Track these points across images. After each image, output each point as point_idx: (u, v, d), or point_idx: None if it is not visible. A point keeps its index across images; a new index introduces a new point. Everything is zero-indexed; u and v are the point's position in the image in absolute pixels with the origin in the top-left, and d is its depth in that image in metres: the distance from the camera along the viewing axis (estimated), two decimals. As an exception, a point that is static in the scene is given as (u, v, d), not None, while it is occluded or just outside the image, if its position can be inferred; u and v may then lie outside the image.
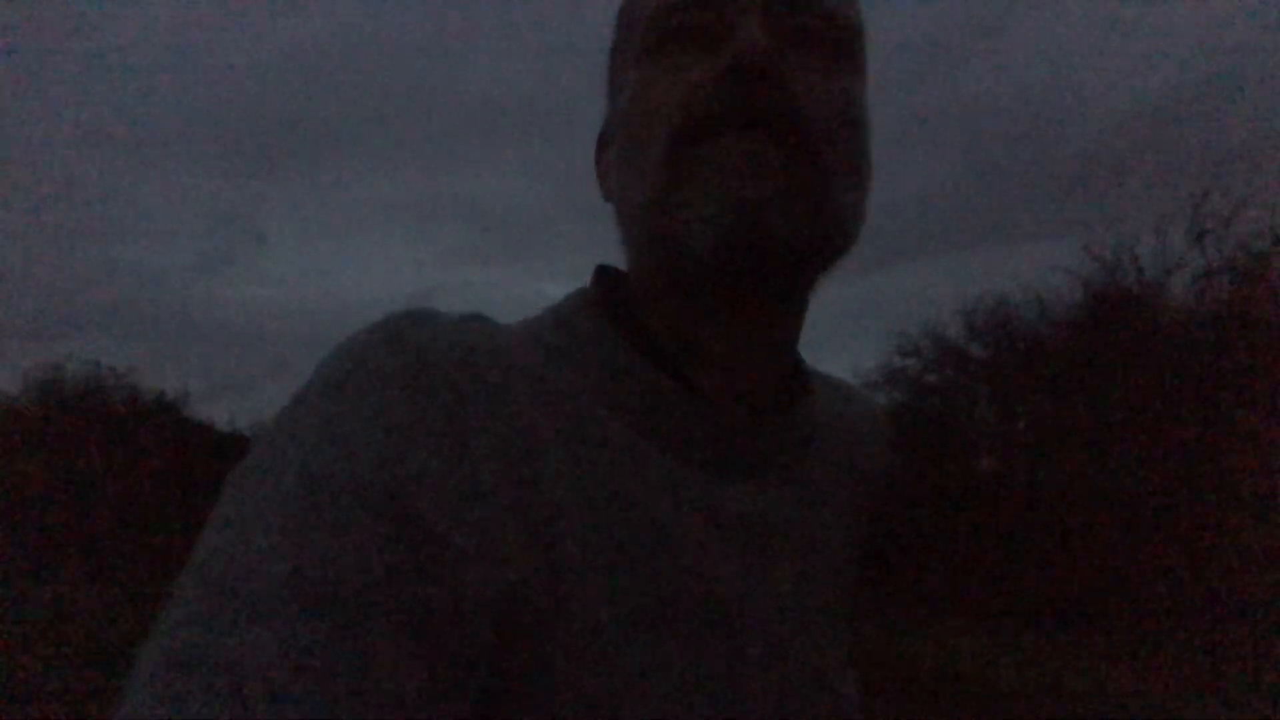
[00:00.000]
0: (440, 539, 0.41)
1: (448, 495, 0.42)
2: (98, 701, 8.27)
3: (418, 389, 0.45)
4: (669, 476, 0.54)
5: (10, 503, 13.89)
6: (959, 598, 9.82)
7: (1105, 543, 9.57)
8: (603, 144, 0.68)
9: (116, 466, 14.61)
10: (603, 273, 0.65)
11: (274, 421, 0.46)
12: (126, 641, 9.93)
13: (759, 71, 0.52)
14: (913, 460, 11.16)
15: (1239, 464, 8.48)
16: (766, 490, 0.58)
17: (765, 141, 0.52)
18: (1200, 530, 8.67)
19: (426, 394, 0.45)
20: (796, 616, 0.58)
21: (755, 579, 0.56)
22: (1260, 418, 8.52)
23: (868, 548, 0.69)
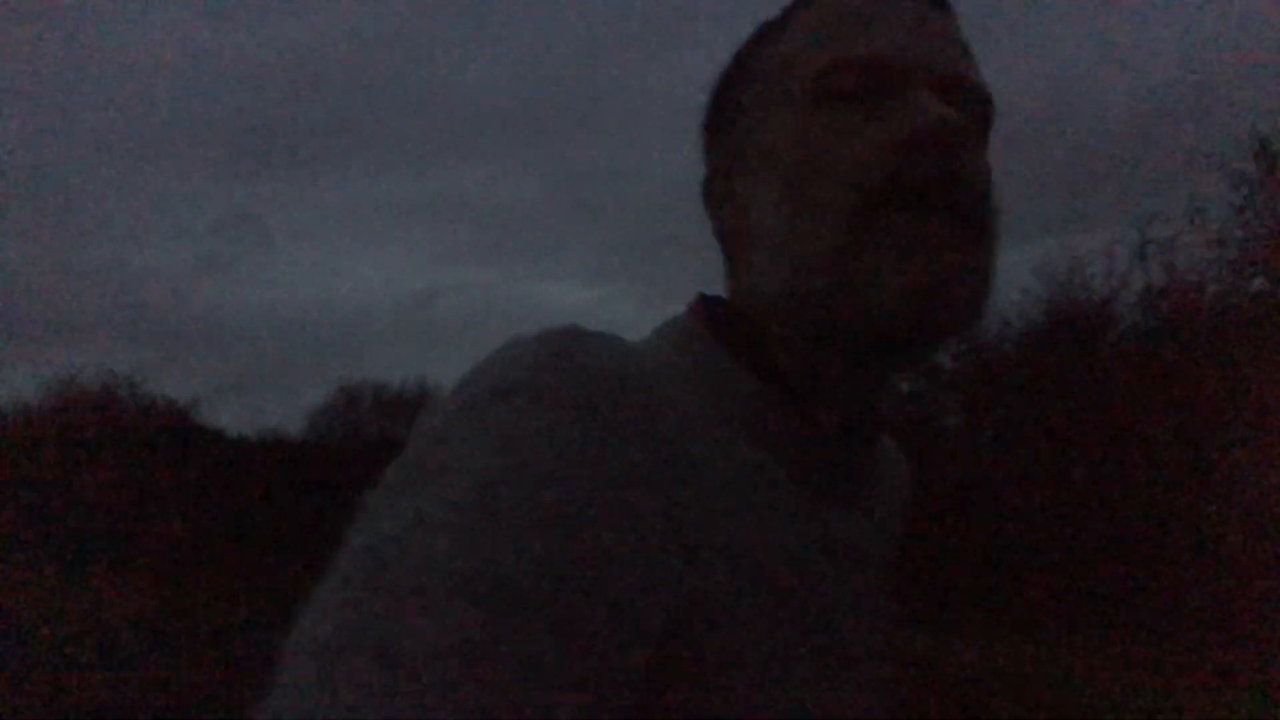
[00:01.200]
0: (604, 559, 0.42)
1: (612, 518, 0.44)
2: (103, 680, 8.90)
3: (586, 409, 0.46)
4: (795, 501, 0.56)
5: (28, 505, 14.65)
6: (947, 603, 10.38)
7: (1065, 545, 10.17)
8: (717, 174, 0.68)
9: (128, 473, 15.35)
10: (708, 302, 0.65)
11: (439, 419, 0.48)
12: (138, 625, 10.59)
13: (946, 145, 0.54)
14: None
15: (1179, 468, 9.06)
16: (854, 515, 0.62)
17: (952, 220, 0.54)
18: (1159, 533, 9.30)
19: (593, 415, 0.46)
20: (875, 633, 0.62)
21: (858, 604, 0.59)
22: (1197, 420, 9.16)
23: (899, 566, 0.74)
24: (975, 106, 0.59)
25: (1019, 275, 12.04)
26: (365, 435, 21.80)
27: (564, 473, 0.44)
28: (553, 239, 59.67)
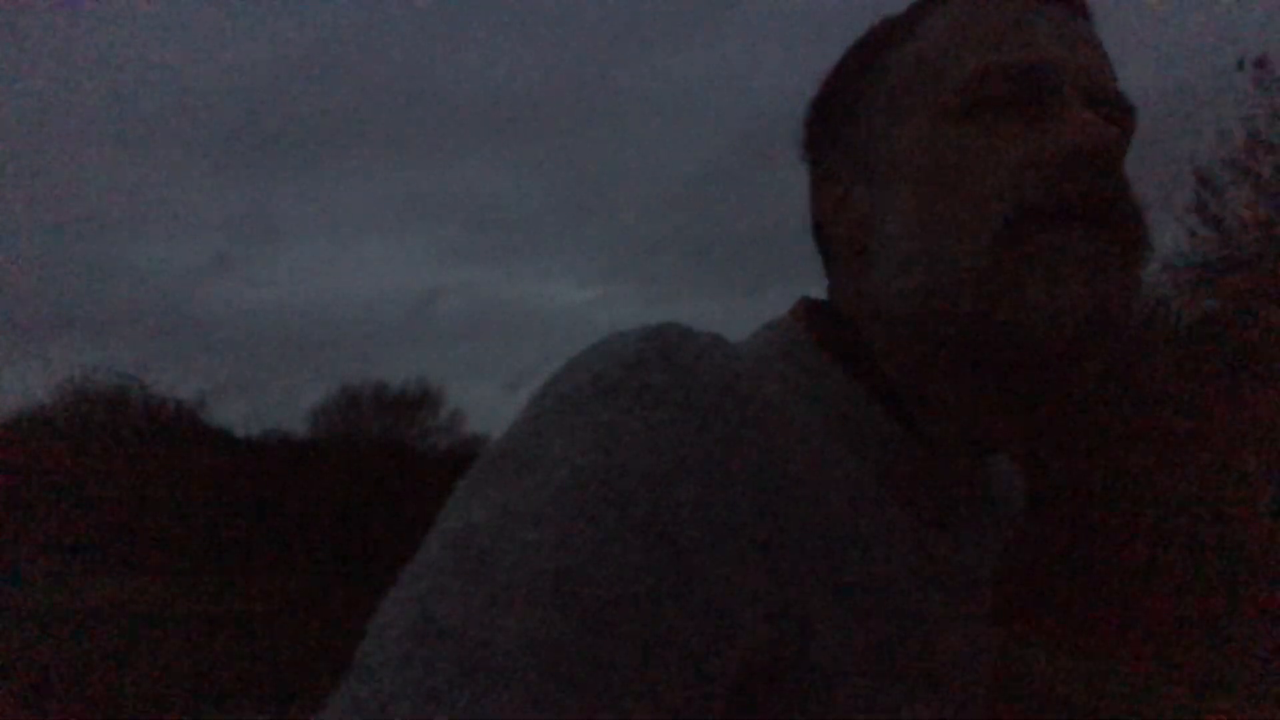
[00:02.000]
0: (696, 570, 0.41)
1: (708, 527, 0.43)
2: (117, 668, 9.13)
3: (690, 411, 0.45)
4: (897, 520, 0.55)
5: (43, 503, 14.96)
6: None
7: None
8: (829, 181, 0.64)
9: (139, 471, 15.65)
10: (811, 307, 0.62)
11: (537, 409, 0.47)
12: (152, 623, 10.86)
13: (1104, 163, 0.52)
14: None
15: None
16: (964, 537, 0.60)
17: (1111, 239, 0.52)
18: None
19: (697, 418, 0.45)
20: (979, 660, 0.60)
21: (954, 624, 0.57)
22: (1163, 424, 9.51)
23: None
24: (1122, 118, 0.56)
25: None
26: (368, 434, 21.88)
27: (664, 477, 0.43)
28: (553, 238, 59.82)
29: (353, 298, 52.37)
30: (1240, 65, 8.71)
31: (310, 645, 11.17)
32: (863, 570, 0.52)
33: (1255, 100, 8.69)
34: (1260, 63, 8.58)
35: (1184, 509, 9.21)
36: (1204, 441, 8.92)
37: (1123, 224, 0.53)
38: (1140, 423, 10.00)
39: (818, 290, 0.66)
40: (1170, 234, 10.10)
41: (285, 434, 21.93)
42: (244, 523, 16.00)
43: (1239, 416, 8.46)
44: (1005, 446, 0.60)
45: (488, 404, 41.56)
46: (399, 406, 23.51)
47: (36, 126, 47.70)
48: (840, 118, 0.64)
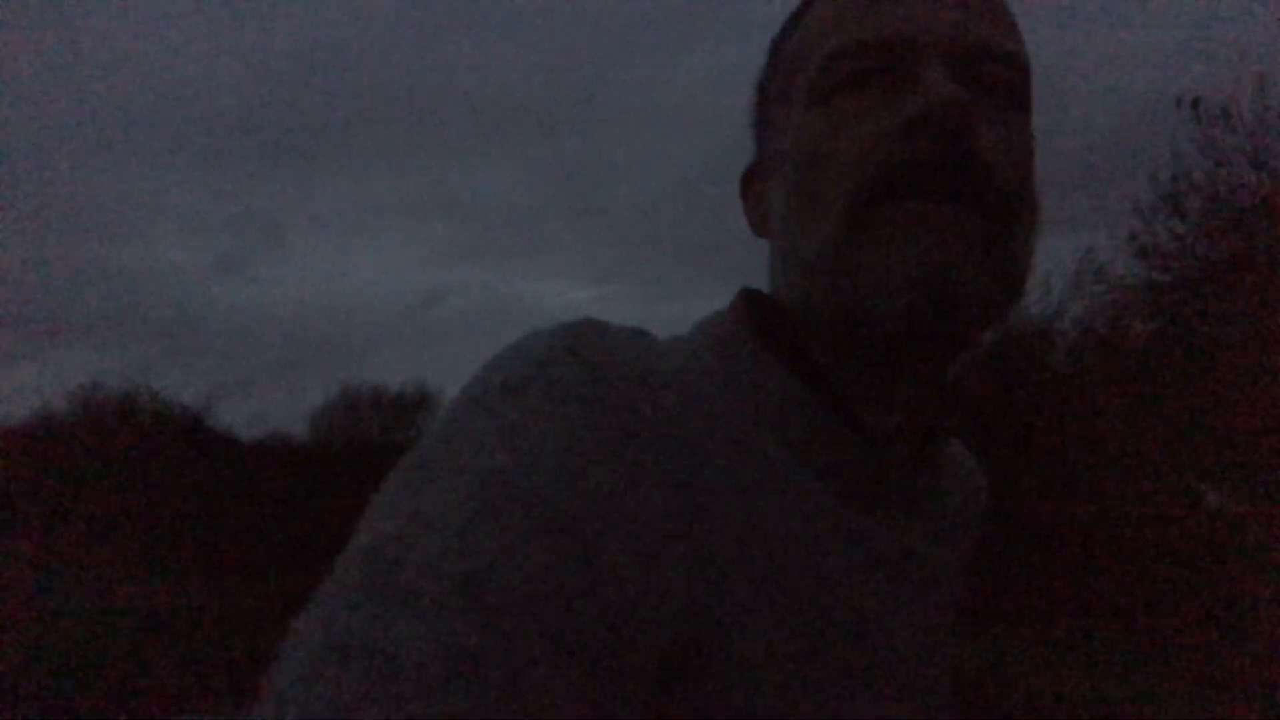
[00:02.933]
0: (609, 565, 0.40)
1: (620, 521, 0.42)
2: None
3: (597, 406, 0.45)
4: (828, 510, 0.54)
5: (55, 507, 15.57)
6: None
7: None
8: (753, 178, 0.66)
9: (147, 476, 16.29)
10: (749, 296, 0.61)
11: (449, 415, 0.46)
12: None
13: (950, 127, 0.50)
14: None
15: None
16: (909, 527, 0.58)
17: (956, 206, 0.50)
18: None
19: (605, 413, 0.45)
20: (928, 648, 0.59)
21: (901, 615, 0.56)
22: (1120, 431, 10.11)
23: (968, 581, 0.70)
24: (1002, 75, 0.54)
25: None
26: (368, 438, 22.16)
27: (572, 473, 0.42)
28: (552, 238, 59.95)
29: (353, 298, 52.34)
30: (1178, 103, 9.28)
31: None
32: (791, 561, 0.50)
33: (1189, 136, 9.27)
34: (1194, 103, 9.16)
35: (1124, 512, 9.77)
36: (1134, 451, 9.48)
37: (976, 190, 0.50)
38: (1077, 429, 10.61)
39: None
40: (1120, 260, 10.75)
41: (285, 436, 22.28)
42: (250, 525, 16.57)
43: (1160, 428, 9.10)
44: (950, 436, 0.58)
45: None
46: (398, 409, 23.76)
47: (36, 127, 47.94)
48: (759, 113, 0.65)
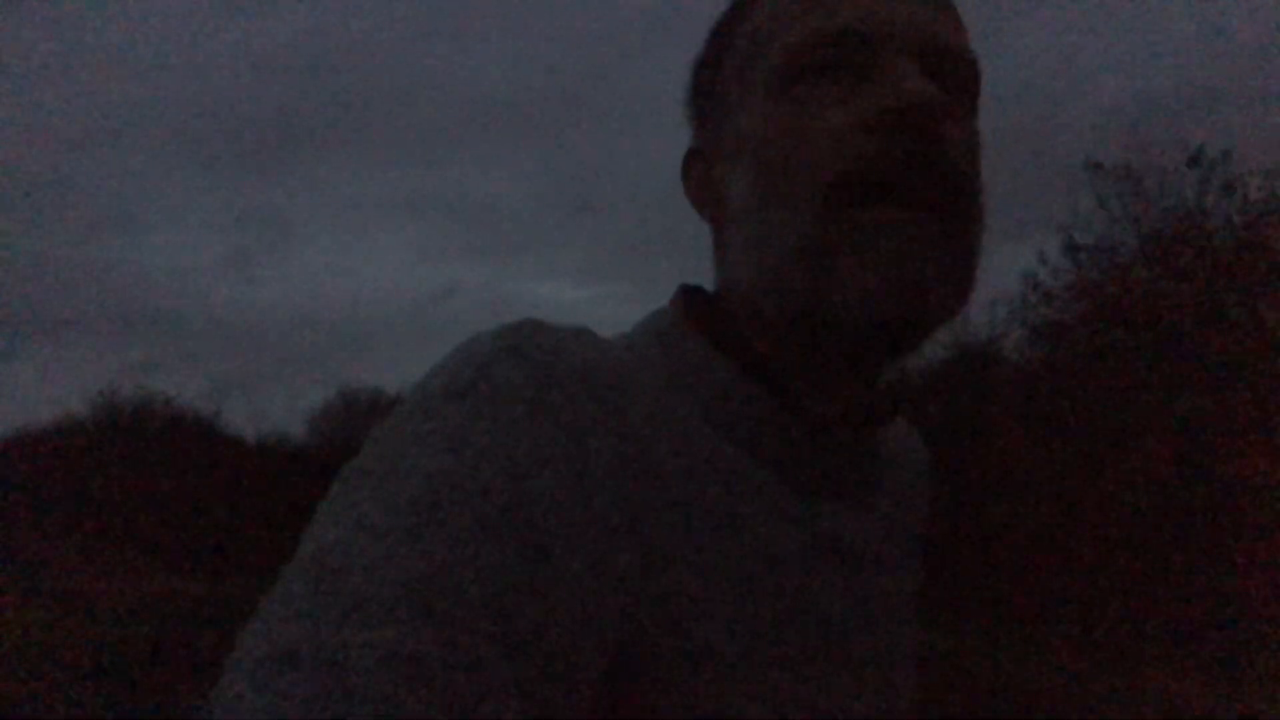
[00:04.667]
0: (556, 563, 0.41)
1: (566, 519, 0.42)
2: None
3: (541, 406, 0.45)
4: (775, 498, 0.55)
5: (76, 509, 16.71)
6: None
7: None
8: (696, 158, 0.65)
9: (161, 478, 17.34)
10: (689, 292, 0.62)
11: (392, 421, 0.46)
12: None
13: (922, 123, 0.51)
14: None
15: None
16: (853, 511, 0.59)
17: (927, 215, 0.51)
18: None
19: (549, 412, 0.45)
20: (885, 632, 0.59)
21: (851, 597, 0.56)
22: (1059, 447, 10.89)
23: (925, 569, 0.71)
24: (959, 73, 0.55)
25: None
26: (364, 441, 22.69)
27: (515, 473, 0.42)
28: (547, 238, 60.51)
29: (350, 298, 53.17)
30: (1086, 165, 10.29)
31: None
32: (740, 549, 0.51)
33: (1092, 194, 10.26)
34: (1096, 165, 10.18)
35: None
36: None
37: (945, 199, 0.52)
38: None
39: None
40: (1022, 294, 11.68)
41: (283, 437, 23.17)
42: (255, 525, 17.50)
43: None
44: (875, 420, 0.59)
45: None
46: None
47: (48, 127, 48.24)
48: (704, 95, 0.64)
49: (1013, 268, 11.70)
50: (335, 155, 58.45)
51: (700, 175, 0.64)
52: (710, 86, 0.63)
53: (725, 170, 0.61)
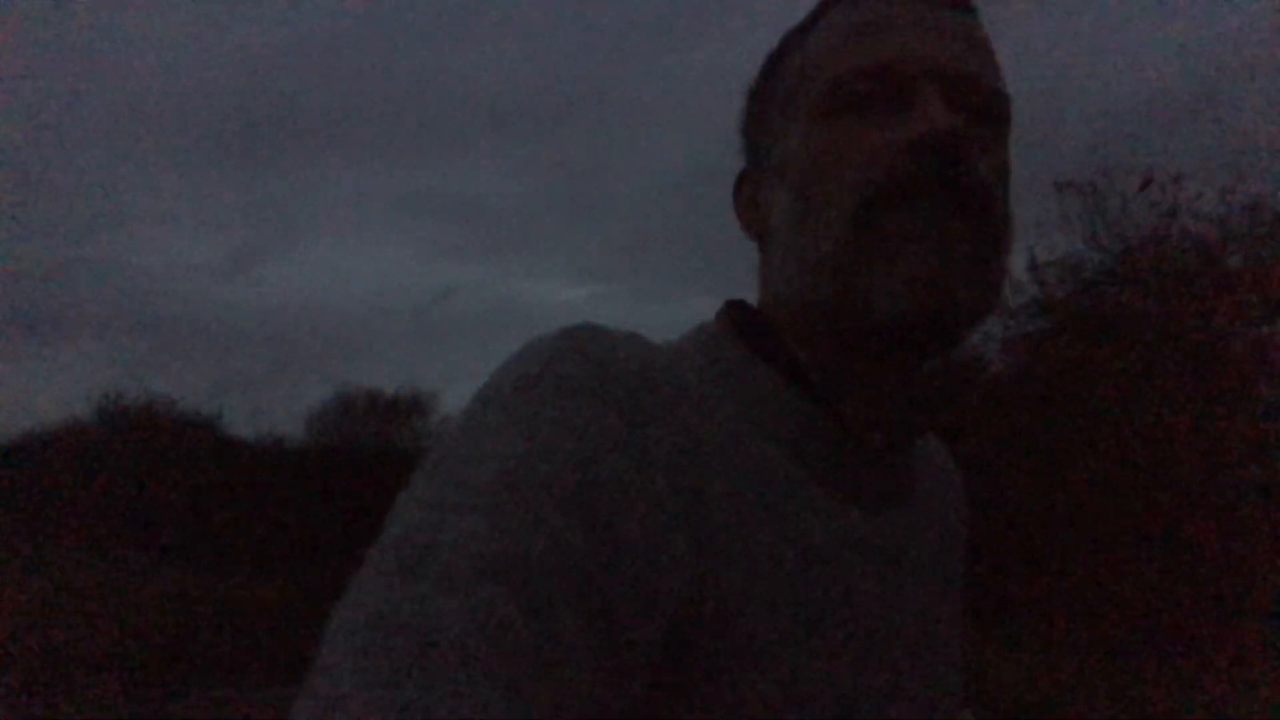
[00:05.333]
0: (620, 539, 0.43)
1: (628, 499, 0.45)
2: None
3: (603, 398, 0.48)
4: (816, 501, 0.56)
5: (82, 512, 17.08)
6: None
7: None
8: (744, 180, 0.70)
9: (166, 479, 17.87)
10: (733, 306, 0.66)
11: (466, 414, 0.50)
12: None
13: (948, 148, 0.54)
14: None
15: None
16: (889, 515, 0.61)
17: (953, 219, 0.54)
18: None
19: (611, 403, 0.48)
20: (923, 634, 0.60)
21: (889, 599, 0.58)
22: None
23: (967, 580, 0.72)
24: (991, 108, 0.59)
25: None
26: (363, 441, 22.61)
27: (585, 457, 0.45)
28: (543, 237, 59.87)
29: (346, 298, 52.36)
30: (1055, 186, 10.60)
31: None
32: (783, 546, 0.53)
33: (1059, 214, 10.53)
34: (1065, 185, 10.52)
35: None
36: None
37: (972, 208, 0.55)
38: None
39: None
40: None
41: (280, 438, 22.99)
42: (257, 524, 17.84)
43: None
44: (912, 429, 0.61)
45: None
46: (393, 412, 24.28)
47: (47, 125, 48.11)
48: (754, 122, 0.69)
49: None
50: (332, 155, 58.17)
51: (748, 197, 0.70)
52: (760, 114, 0.68)
53: (769, 192, 0.65)
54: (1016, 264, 11.45)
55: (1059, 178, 10.67)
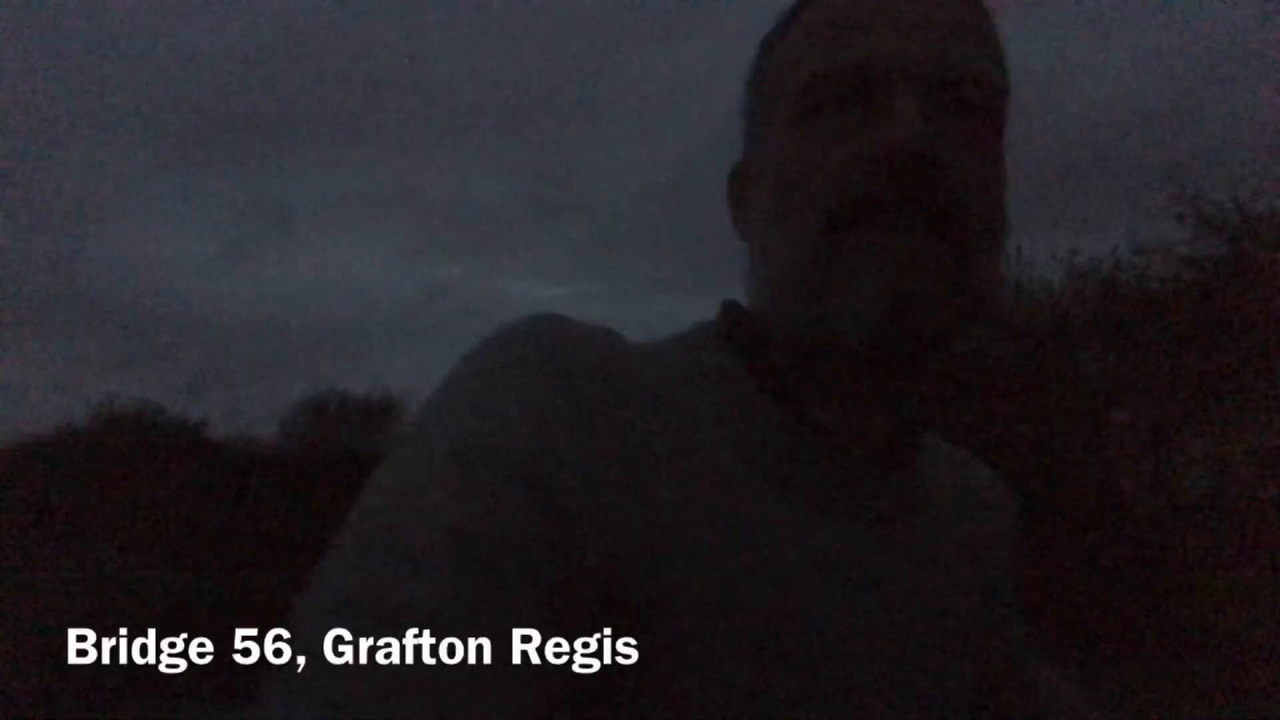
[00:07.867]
0: (566, 509, 0.45)
1: (573, 472, 0.46)
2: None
3: (554, 376, 0.49)
4: (773, 511, 0.54)
5: (81, 514, 17.24)
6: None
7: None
8: (738, 176, 0.69)
9: (156, 485, 17.94)
10: (728, 308, 0.65)
11: (430, 398, 0.51)
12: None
13: (914, 167, 0.52)
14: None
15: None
16: (872, 535, 0.58)
17: (920, 235, 0.52)
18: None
19: (561, 382, 0.49)
20: (897, 660, 0.57)
21: (853, 620, 0.55)
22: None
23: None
24: (975, 100, 0.56)
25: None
26: (336, 444, 22.92)
27: (535, 434, 0.46)
28: (519, 236, 59.44)
29: (324, 297, 52.11)
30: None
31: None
32: (734, 548, 0.52)
33: None
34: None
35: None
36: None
37: (941, 223, 0.53)
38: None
39: None
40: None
41: (252, 440, 23.67)
42: (245, 528, 18.15)
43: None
44: (899, 442, 0.60)
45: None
46: (363, 415, 24.82)
47: (45, 121, 46.98)
48: (747, 115, 0.67)
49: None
50: (306, 151, 57.27)
51: (737, 195, 0.69)
52: (750, 109, 0.67)
53: (754, 192, 0.64)
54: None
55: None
